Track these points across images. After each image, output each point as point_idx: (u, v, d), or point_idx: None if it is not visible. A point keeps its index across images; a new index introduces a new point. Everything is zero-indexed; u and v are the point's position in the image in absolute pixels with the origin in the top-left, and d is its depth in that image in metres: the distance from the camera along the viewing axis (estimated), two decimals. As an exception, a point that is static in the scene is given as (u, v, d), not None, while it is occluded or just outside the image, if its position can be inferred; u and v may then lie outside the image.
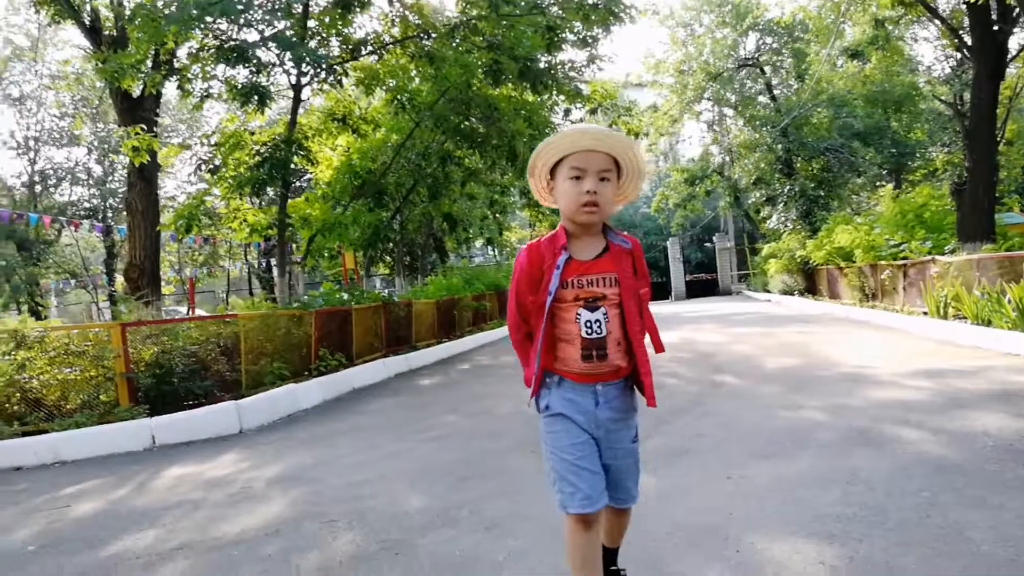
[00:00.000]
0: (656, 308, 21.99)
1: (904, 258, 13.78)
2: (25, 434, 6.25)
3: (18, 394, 6.56)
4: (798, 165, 24.71)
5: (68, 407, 6.66)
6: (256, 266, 29.83)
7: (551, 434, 2.25)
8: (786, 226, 24.37)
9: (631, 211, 47.98)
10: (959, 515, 3.18)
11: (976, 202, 11.84)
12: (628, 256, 2.26)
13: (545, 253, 2.23)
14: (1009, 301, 8.65)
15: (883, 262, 14.40)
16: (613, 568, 2.54)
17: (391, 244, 15.91)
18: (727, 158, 29.39)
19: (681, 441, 4.92)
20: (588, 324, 2.19)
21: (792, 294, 21.75)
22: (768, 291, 25.45)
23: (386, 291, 20.18)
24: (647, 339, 2.32)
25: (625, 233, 2.30)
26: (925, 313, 11.35)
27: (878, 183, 27.41)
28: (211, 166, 10.22)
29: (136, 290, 12.07)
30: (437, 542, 3.37)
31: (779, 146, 24.18)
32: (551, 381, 2.25)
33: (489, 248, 26.43)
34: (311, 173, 11.46)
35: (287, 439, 6.34)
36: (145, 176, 12.26)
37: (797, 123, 24.04)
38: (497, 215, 21.17)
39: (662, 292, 35.84)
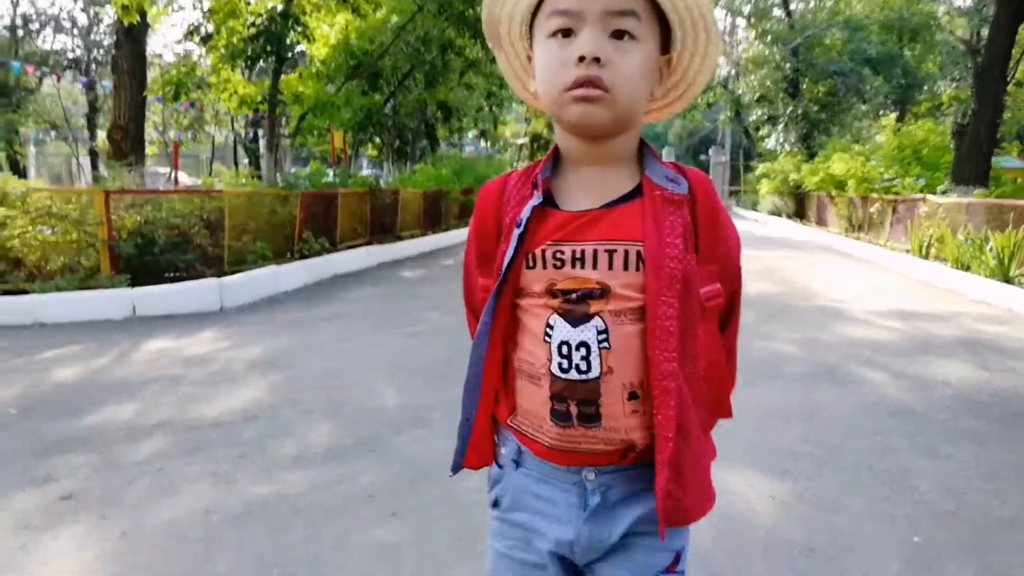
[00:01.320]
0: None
1: (896, 193, 13.80)
2: (5, 293, 6.26)
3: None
4: (804, 87, 24.23)
5: (49, 269, 6.66)
6: (243, 135, 29.22)
7: (495, 554, 1.17)
8: (784, 148, 24.17)
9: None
10: (909, 461, 3.32)
11: (975, 145, 11.77)
12: (679, 207, 1.03)
13: (509, 196, 1.11)
14: (991, 249, 8.75)
15: (874, 195, 14.42)
16: None
17: (383, 129, 15.59)
18: (733, 71, 28.75)
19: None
20: (564, 350, 1.03)
21: (780, 215, 21.80)
22: (757, 211, 25.48)
23: (373, 175, 19.94)
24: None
25: (686, 168, 1.10)
26: (908, 251, 11.47)
27: (882, 112, 27.10)
28: (203, 34, 9.84)
29: (119, 152, 11.84)
30: (409, 441, 3.49)
31: (788, 65, 23.64)
32: (503, 453, 1.15)
33: (482, 140, 26.06)
34: (306, 48, 11.06)
35: (267, 321, 6.41)
36: (133, 36, 11.79)
37: (809, 43, 23.43)
38: (493, 108, 20.77)
39: (651, 201, 35.77)
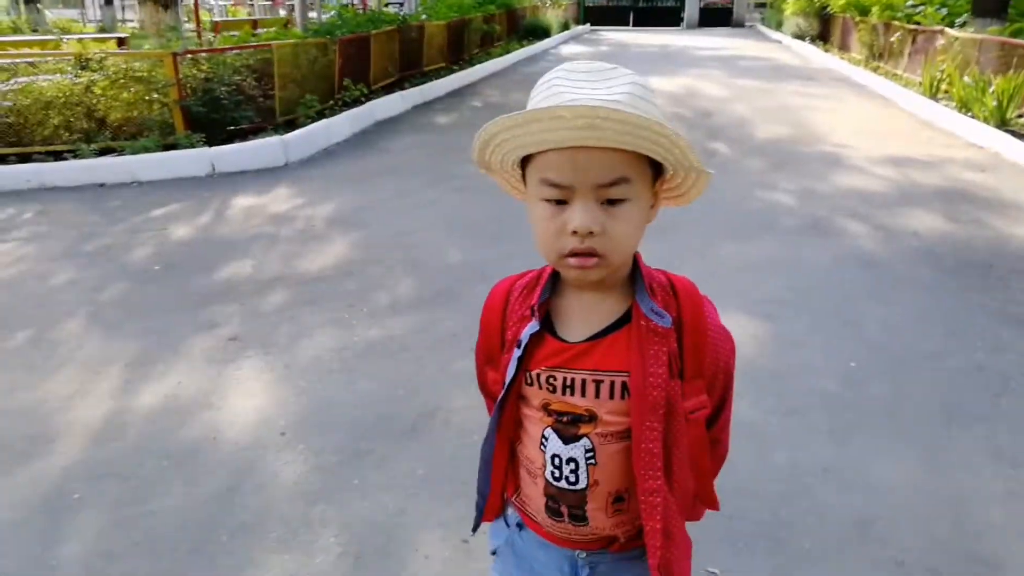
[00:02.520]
0: (665, 38, 21.93)
1: (917, 22, 13.90)
2: (101, 153, 7.12)
3: (85, 113, 7.31)
4: None
5: (130, 130, 7.45)
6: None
7: None
8: (812, -37, 23.37)
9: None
10: (864, 308, 4.29)
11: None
12: (664, 338, 1.09)
13: (513, 309, 1.20)
14: (992, 91, 9.26)
15: (896, 22, 14.49)
16: None
17: None
18: None
19: (669, 215, 5.79)
20: (556, 461, 1.14)
21: (804, 39, 21.61)
22: (781, 31, 25.09)
23: (390, 6, 19.74)
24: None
25: (675, 278, 1.17)
26: (921, 85, 11.87)
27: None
28: None
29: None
30: (476, 295, 4.48)
31: None
32: (510, 514, 1.29)
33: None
34: None
35: (328, 176, 7.28)
36: None
37: None
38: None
39: (674, 19, 34.75)
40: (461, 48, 16.21)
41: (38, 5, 27.62)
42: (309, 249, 5.27)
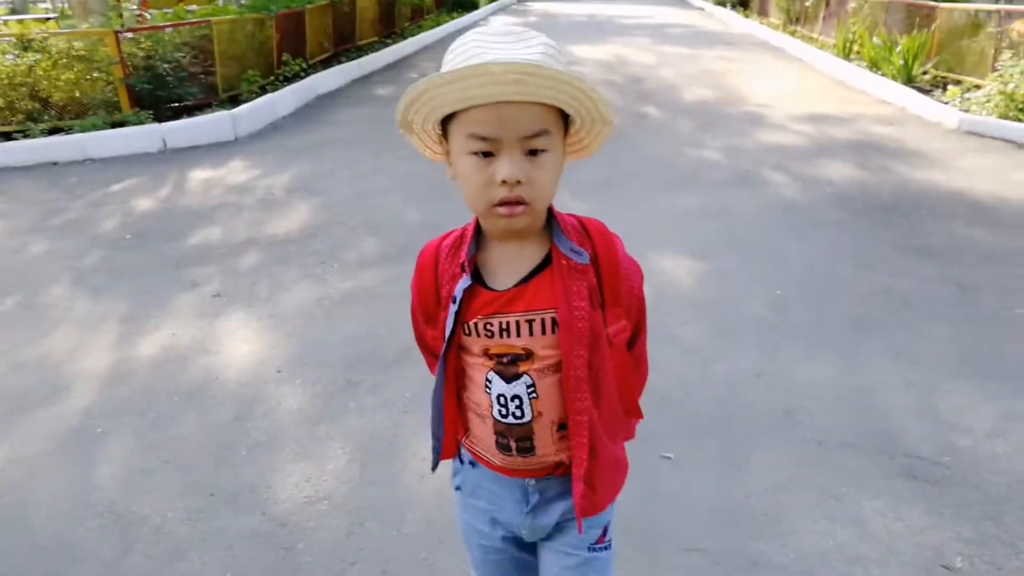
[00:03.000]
0: (592, 8, 22.17)
1: (830, -15, 14.62)
2: (50, 132, 7.18)
3: (29, 94, 7.34)
4: None
5: (75, 109, 7.51)
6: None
7: (463, 522, 1.47)
8: (730, -69, 24.04)
9: None
10: (786, 244, 4.82)
11: (902, -57, 12.56)
12: (583, 274, 1.21)
13: (444, 267, 1.28)
14: (899, 51, 9.96)
15: (811, -14, 15.20)
16: None
17: None
18: None
19: (608, 172, 6.29)
20: (502, 401, 1.25)
21: (725, 5, 22.28)
22: (704, -3, 25.77)
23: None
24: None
25: (585, 219, 1.28)
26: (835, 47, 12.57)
27: None
28: None
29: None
30: (437, 247, 4.84)
31: None
32: (465, 456, 1.40)
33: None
34: None
35: (279, 148, 7.49)
36: None
37: None
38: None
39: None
40: (392, 21, 16.30)
41: (-57, -13, 26.40)
42: (273, 215, 5.54)
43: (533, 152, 1.08)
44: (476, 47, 1.05)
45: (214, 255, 4.80)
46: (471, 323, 1.21)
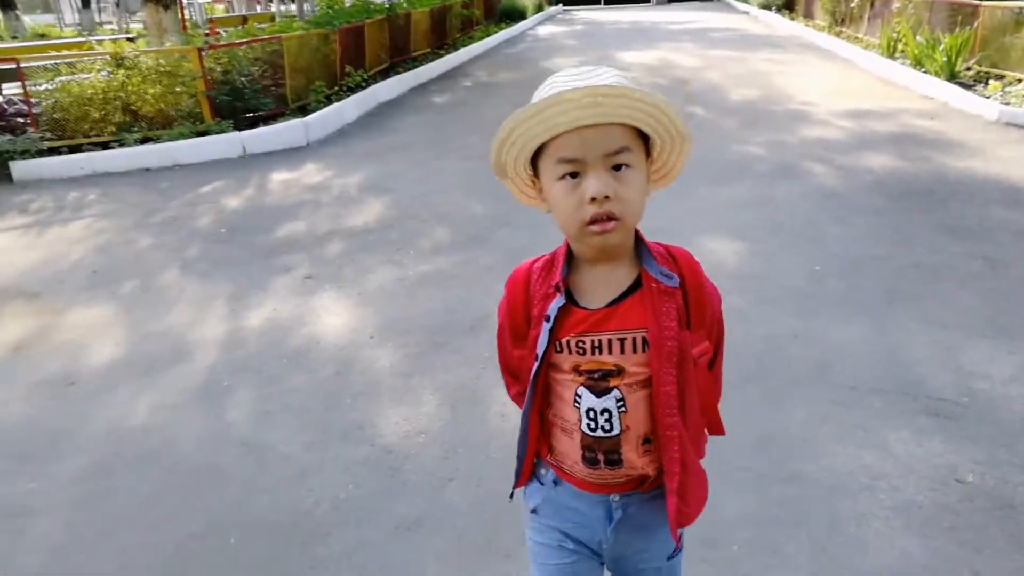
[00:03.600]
0: (636, 15, 22.66)
1: (875, -14, 14.79)
2: (142, 141, 7.86)
3: (122, 107, 8.05)
4: None
5: (162, 120, 8.19)
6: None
7: (535, 544, 1.49)
8: (775, -65, 24.21)
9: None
10: (826, 228, 5.17)
11: (945, -58, 12.71)
12: (672, 297, 1.29)
13: (536, 289, 1.36)
14: (942, 48, 10.16)
15: (856, -12, 15.38)
16: None
17: None
18: None
19: (657, 168, 6.72)
20: (591, 414, 1.32)
21: (771, 8, 22.44)
22: (748, 2, 25.90)
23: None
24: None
25: (673, 248, 1.36)
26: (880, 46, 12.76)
27: None
28: None
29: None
30: (501, 237, 5.30)
31: None
32: (544, 473, 1.45)
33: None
34: None
35: (348, 153, 8.06)
36: None
37: None
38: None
39: (643, -5, 35.48)
40: (444, 33, 16.92)
41: (16, 12, 27.96)
42: (349, 210, 6.07)
43: (617, 168, 1.17)
44: (554, 84, 1.17)
45: (301, 245, 5.34)
46: (564, 340, 1.28)
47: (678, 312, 1.28)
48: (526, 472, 1.45)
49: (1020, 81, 8.50)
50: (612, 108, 1.14)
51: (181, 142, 7.80)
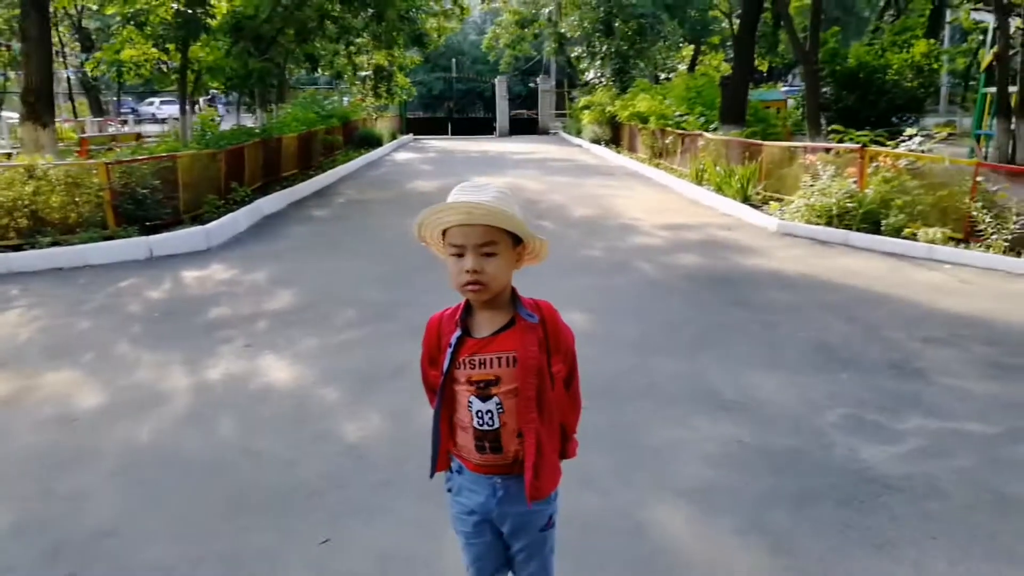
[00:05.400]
0: (483, 145, 25.39)
1: (684, 128, 17.71)
2: (53, 244, 8.52)
3: (31, 213, 8.71)
4: (617, 25, 27.89)
5: (71, 225, 8.90)
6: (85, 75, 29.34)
7: (453, 515, 2.16)
8: (601, 81, 27.87)
9: (462, 41, 49.42)
10: (650, 304, 6.80)
11: (734, 95, 15.76)
12: (535, 330, 1.95)
13: (444, 328, 2.02)
14: (736, 177, 12.63)
15: (669, 128, 18.26)
16: None
17: (271, 85, 17.56)
18: (556, 9, 31.98)
19: (528, 268, 8.23)
20: (479, 414, 1.96)
21: (600, 143, 25.52)
22: (581, 136, 29.16)
23: (220, 118, 21.49)
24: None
25: (540, 301, 2.04)
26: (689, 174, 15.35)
27: (681, 43, 31.50)
28: (134, 21, 11.68)
29: (33, 113, 13.42)
30: (401, 314, 6.52)
31: (601, 8, 27.16)
32: (456, 465, 2.10)
33: (335, 80, 27.98)
34: (208, 24, 12.90)
35: (248, 255, 9.07)
36: (39, 5, 13.25)
37: (619, -12, 27.02)
38: (351, 54, 22.93)
39: (488, 128, 38.70)
40: (310, 156, 18.27)
41: None
42: (264, 299, 7.11)
43: (487, 255, 1.85)
44: (455, 195, 1.89)
45: (232, 323, 6.32)
46: (461, 359, 1.95)
47: (539, 341, 1.96)
48: (441, 460, 2.09)
49: (791, 202, 10.88)
50: (479, 217, 1.84)
51: (91, 244, 8.54)
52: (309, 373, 5.18)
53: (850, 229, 9.37)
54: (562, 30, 30.81)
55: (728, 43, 29.91)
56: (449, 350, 1.97)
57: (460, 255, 1.88)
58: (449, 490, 2.16)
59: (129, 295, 7.29)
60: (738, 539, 3.19)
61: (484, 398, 1.96)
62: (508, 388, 1.95)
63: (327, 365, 5.34)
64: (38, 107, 13.69)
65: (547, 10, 33.25)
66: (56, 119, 23.53)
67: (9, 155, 12.49)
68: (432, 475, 2.13)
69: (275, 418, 4.47)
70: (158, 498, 3.61)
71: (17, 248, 8.43)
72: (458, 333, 1.97)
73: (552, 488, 2.09)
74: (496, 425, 1.97)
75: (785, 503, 3.47)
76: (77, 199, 9.07)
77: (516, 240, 1.94)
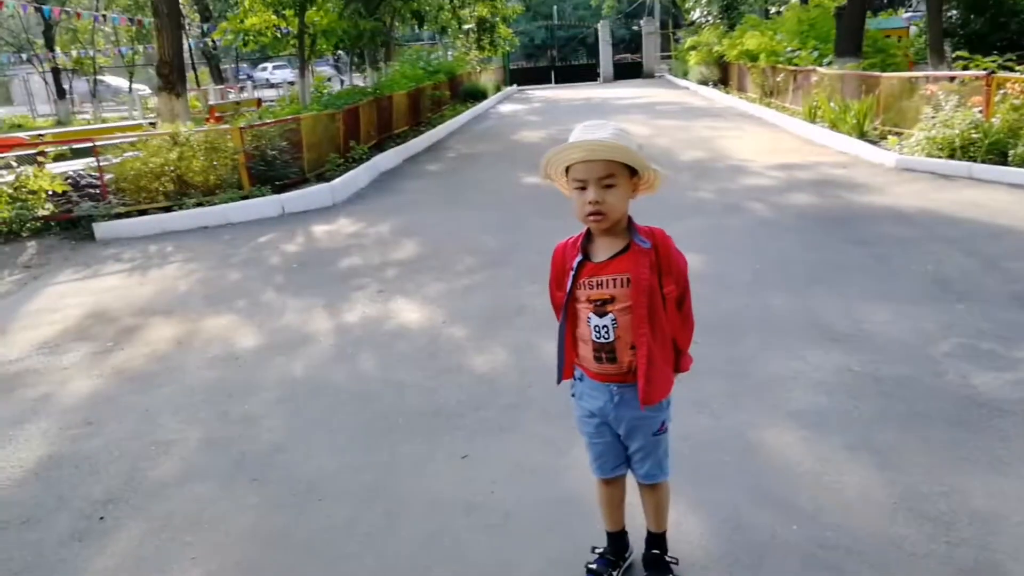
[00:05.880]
0: (587, 92, 25.43)
1: (796, 64, 17.14)
2: (197, 205, 9.34)
3: (177, 177, 9.55)
4: (723, -40, 26.94)
5: (211, 187, 9.69)
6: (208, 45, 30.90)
7: (577, 417, 2.45)
8: (707, 20, 27.07)
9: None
10: (763, 243, 6.88)
11: (849, 25, 15.07)
12: (647, 255, 2.17)
13: (568, 254, 2.28)
14: (852, 113, 12.25)
15: (780, 66, 17.71)
16: (655, 552, 2.63)
17: (380, 44, 18.15)
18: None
19: (632, 211, 8.41)
20: (597, 329, 2.21)
21: (708, 84, 24.96)
22: (688, 79, 28.54)
23: (329, 79, 22.28)
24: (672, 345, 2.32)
25: (654, 228, 2.24)
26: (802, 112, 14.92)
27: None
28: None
29: (168, 84, 14.43)
30: (515, 259, 6.87)
31: (707, -57, 26.26)
32: (578, 374, 2.37)
33: (439, 35, 28.39)
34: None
35: (371, 210, 9.63)
36: (167, -18, 14.16)
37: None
38: (456, 8, 23.25)
39: (591, 74, 38.32)
40: (419, 112, 18.82)
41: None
42: (391, 249, 7.62)
43: (607, 187, 2.09)
44: (577, 134, 2.11)
45: (363, 272, 6.85)
46: (581, 280, 2.21)
47: (651, 264, 2.17)
48: (568, 368, 2.38)
49: (911, 136, 10.51)
50: (600, 153, 2.08)
51: (231, 204, 9.30)
52: (438, 314, 5.62)
53: (974, 161, 9.02)
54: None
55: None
56: (571, 273, 2.24)
57: (583, 188, 2.12)
58: (573, 395, 2.43)
59: (269, 249, 7.95)
60: (847, 454, 3.39)
61: (601, 315, 2.20)
62: (622, 306, 2.18)
63: (453, 307, 5.76)
64: (172, 78, 14.69)
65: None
66: (184, 89, 25.05)
67: (153, 124, 13.50)
68: (559, 381, 2.43)
69: (411, 353, 4.93)
70: (317, 421, 4.12)
71: (167, 209, 9.28)
72: (579, 258, 2.23)
73: (663, 396, 2.32)
74: (611, 338, 2.21)
75: (894, 424, 3.63)
76: (215, 163, 9.86)
77: (632, 172, 2.16)
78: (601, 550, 2.69)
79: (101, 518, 3.34)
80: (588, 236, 2.27)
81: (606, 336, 2.22)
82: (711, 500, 3.10)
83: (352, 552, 2.97)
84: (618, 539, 2.67)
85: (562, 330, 2.35)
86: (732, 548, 2.80)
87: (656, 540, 2.63)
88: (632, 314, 2.18)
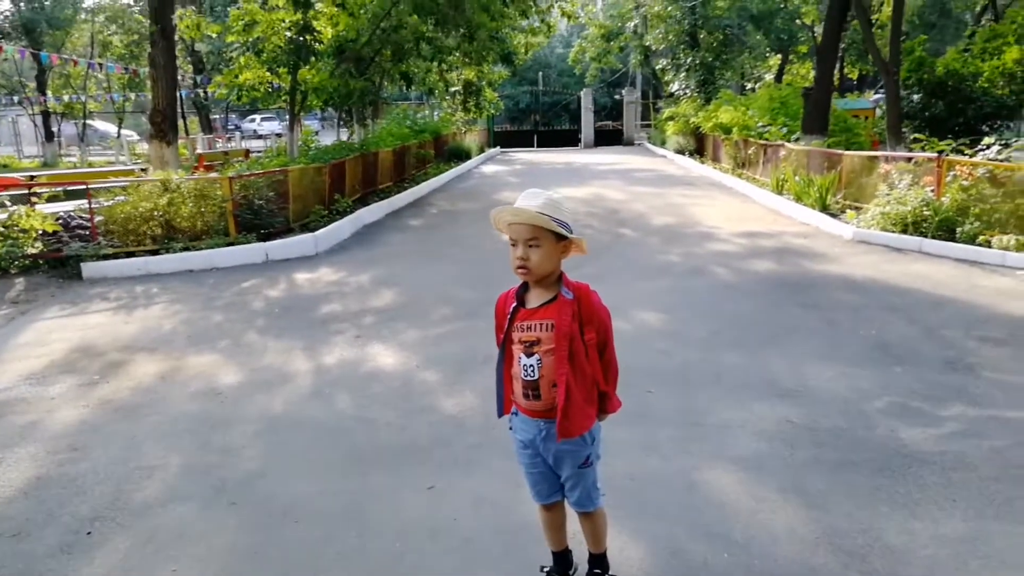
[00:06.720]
0: (568, 156, 26.38)
1: (766, 139, 17.92)
2: (184, 249, 9.64)
3: (165, 222, 9.87)
4: (702, 37, 28.14)
5: (198, 232, 10.01)
6: (197, 95, 31.57)
7: (515, 448, 2.77)
8: (685, 92, 28.13)
9: (548, 54, 50.39)
10: (723, 306, 7.30)
11: (816, 105, 15.89)
12: (570, 305, 2.49)
13: (508, 301, 2.62)
14: (816, 187, 12.88)
15: (752, 139, 18.50)
16: (597, 571, 2.93)
17: (369, 103, 18.75)
18: (641, 22, 32.43)
19: (602, 270, 8.83)
20: (525, 368, 2.51)
21: (684, 153, 25.80)
22: (665, 147, 29.47)
23: (316, 134, 22.85)
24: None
25: (580, 283, 2.59)
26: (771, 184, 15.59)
27: (767, 53, 31.45)
28: (252, 49, 12.96)
29: (160, 132, 14.87)
30: (491, 311, 7.21)
31: (686, 21, 27.47)
32: (514, 408, 2.67)
33: (426, 95, 29.21)
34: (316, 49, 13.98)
35: (352, 260, 9.98)
36: (166, 35, 14.70)
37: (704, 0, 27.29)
38: (444, 72, 24.04)
39: (573, 139, 39.32)
40: (404, 169, 19.35)
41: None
42: (370, 297, 7.95)
43: (532, 246, 2.46)
44: (518, 200, 2.51)
45: (342, 318, 7.16)
46: (516, 324, 2.57)
47: (572, 313, 2.52)
48: (507, 405, 2.70)
49: (868, 211, 11.10)
50: (523, 219, 2.47)
51: (216, 250, 9.62)
52: (412, 359, 5.93)
53: (925, 236, 9.59)
54: (647, 43, 31.23)
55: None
56: (508, 317, 2.60)
57: (514, 244, 2.51)
58: (511, 428, 2.76)
59: (252, 294, 8.25)
60: (779, 495, 3.73)
61: (529, 355, 2.54)
62: (547, 348, 2.51)
63: (427, 353, 6.08)
64: (164, 127, 15.16)
65: (632, 23, 33.72)
66: (173, 137, 25.49)
67: (144, 170, 13.87)
68: (500, 415, 2.75)
69: (385, 394, 5.23)
70: (295, 452, 4.39)
71: (154, 252, 9.57)
72: (515, 304, 2.60)
73: (581, 431, 2.61)
74: (536, 376, 2.53)
75: (825, 470, 3.98)
76: (203, 209, 10.20)
77: (559, 236, 2.51)
78: (548, 568, 3.00)
79: (88, 533, 3.58)
80: (525, 286, 2.63)
81: (532, 374, 2.54)
82: (653, 531, 3.42)
83: (325, 566, 3.25)
84: (562, 557, 2.98)
85: (499, 367, 2.67)
86: (668, 570, 3.11)
87: (597, 560, 2.94)
88: (555, 355, 2.51)
